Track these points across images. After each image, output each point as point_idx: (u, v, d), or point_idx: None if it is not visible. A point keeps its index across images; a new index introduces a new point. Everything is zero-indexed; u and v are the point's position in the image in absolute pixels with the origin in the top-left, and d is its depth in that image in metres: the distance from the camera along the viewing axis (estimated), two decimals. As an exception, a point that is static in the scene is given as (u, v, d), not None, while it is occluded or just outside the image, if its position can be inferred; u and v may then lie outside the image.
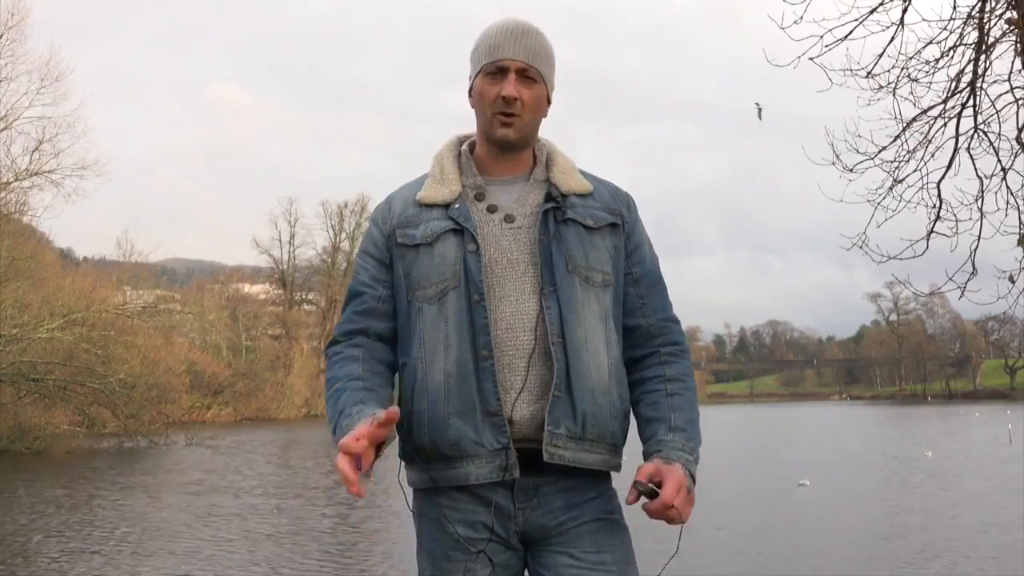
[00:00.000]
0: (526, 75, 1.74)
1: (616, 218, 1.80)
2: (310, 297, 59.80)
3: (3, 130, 24.98)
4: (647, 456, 1.69)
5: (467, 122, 1.87)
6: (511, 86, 1.72)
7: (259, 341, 52.91)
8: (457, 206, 1.74)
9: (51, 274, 27.33)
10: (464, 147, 1.85)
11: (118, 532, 9.47)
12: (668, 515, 1.57)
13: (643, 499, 1.59)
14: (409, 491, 1.77)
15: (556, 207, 1.74)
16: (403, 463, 1.79)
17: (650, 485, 1.60)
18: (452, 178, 1.78)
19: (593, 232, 1.76)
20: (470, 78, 1.81)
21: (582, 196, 1.78)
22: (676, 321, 1.85)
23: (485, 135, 1.79)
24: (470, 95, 1.81)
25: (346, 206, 56.13)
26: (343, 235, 56.22)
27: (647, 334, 1.80)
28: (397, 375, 1.79)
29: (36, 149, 25.34)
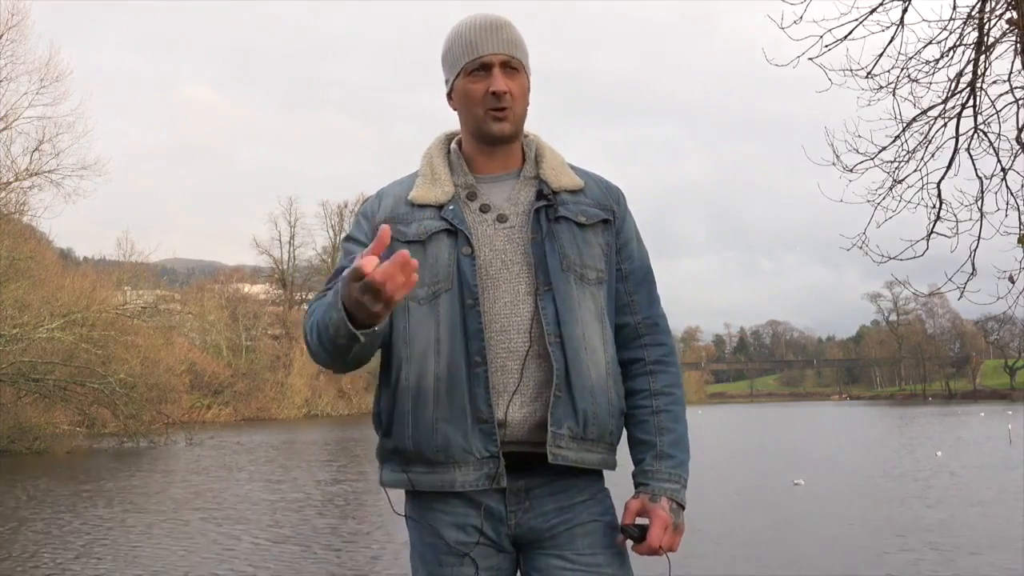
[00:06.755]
0: (509, 67, 1.72)
1: (607, 214, 1.78)
2: (310, 297, 59.75)
3: (3, 130, 25.00)
4: (635, 484, 1.72)
5: (452, 122, 1.85)
6: (500, 81, 1.70)
7: (259, 341, 52.88)
8: (451, 207, 1.71)
9: (51, 274, 27.24)
10: (453, 145, 1.82)
11: (118, 532, 9.47)
12: (656, 554, 1.63)
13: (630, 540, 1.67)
14: (392, 493, 1.74)
15: (548, 205, 1.72)
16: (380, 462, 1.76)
17: (637, 527, 1.65)
18: (444, 178, 1.75)
19: (586, 229, 1.74)
20: (447, 81, 1.78)
21: (573, 192, 1.76)
22: (663, 317, 1.82)
23: (477, 133, 1.75)
24: (449, 98, 1.78)
25: (346, 206, 56.19)
26: (343, 235, 56.15)
27: (634, 332, 1.78)
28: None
29: (36, 149, 25.39)
